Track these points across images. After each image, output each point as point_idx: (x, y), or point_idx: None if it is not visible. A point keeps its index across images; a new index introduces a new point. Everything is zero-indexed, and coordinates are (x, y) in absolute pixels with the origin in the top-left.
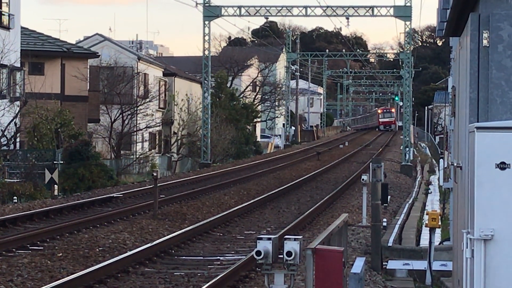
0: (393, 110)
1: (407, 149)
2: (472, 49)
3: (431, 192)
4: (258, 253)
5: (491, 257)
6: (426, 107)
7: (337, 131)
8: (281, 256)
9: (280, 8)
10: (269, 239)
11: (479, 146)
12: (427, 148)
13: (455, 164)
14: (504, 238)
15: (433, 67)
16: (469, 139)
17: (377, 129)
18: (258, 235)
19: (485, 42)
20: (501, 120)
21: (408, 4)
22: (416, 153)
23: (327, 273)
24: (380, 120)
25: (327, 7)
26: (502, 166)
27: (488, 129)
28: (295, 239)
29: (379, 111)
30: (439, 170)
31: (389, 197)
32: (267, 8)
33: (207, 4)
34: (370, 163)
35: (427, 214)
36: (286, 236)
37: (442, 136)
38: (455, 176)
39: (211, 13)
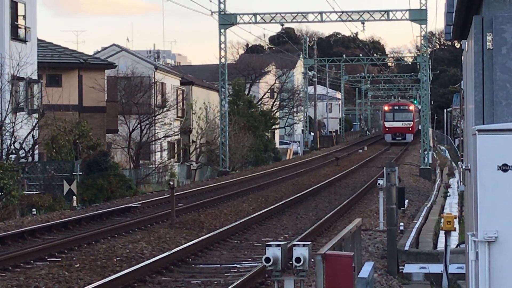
0: (411, 107)
1: (426, 152)
2: (476, 51)
3: (449, 195)
4: (267, 259)
5: (495, 259)
6: (445, 110)
7: (356, 136)
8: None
9: (296, 14)
10: (278, 245)
11: (481, 149)
12: (447, 151)
13: (463, 167)
14: (508, 240)
15: (451, 69)
16: (473, 142)
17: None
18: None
19: (489, 44)
20: (507, 122)
21: (423, 7)
22: (435, 156)
23: (337, 278)
24: (387, 124)
25: (342, 12)
26: (504, 168)
27: (489, 132)
28: (303, 245)
29: (385, 108)
30: (458, 173)
31: (406, 201)
32: (283, 15)
33: (223, 12)
34: (384, 168)
35: (441, 217)
36: (294, 242)
37: (462, 138)
38: (464, 179)
39: (226, 21)
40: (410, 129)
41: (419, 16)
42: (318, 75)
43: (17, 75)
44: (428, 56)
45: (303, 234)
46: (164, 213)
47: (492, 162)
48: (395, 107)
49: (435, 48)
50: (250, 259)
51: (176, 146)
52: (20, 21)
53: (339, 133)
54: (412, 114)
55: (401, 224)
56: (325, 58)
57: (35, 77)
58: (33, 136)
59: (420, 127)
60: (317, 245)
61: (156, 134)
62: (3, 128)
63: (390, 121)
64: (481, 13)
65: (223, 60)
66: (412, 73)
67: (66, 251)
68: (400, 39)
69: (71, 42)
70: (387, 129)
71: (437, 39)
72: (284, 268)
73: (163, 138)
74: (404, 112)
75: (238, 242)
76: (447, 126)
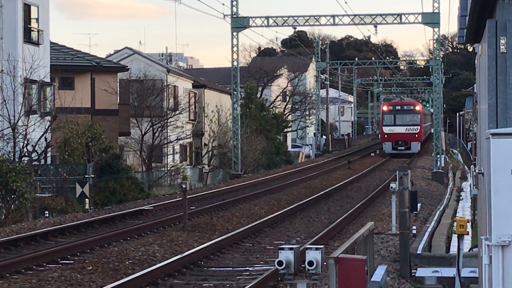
0: (417, 107)
1: (438, 156)
2: (490, 55)
3: (462, 198)
4: (280, 263)
5: (509, 263)
6: (457, 113)
7: (369, 139)
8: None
9: (308, 17)
10: (291, 249)
11: (494, 153)
12: (459, 154)
13: (477, 171)
14: None
15: (464, 73)
16: (486, 146)
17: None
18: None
19: (502, 48)
20: None
21: (436, 10)
22: (448, 160)
23: (350, 282)
24: (386, 129)
25: (355, 15)
26: None
27: (503, 136)
28: (316, 249)
29: (384, 108)
30: (471, 176)
31: (419, 204)
32: (295, 18)
33: (235, 16)
34: (397, 171)
35: (454, 221)
36: (307, 246)
37: (474, 142)
38: (478, 183)
39: (239, 24)
40: (417, 135)
41: (431, 19)
42: (330, 78)
43: (30, 78)
44: (441, 60)
45: (316, 237)
46: (177, 216)
47: (506, 166)
48: (397, 107)
49: (447, 52)
50: (262, 262)
51: (188, 149)
52: (33, 24)
53: (351, 136)
54: (420, 116)
55: (414, 227)
56: (338, 61)
57: (48, 80)
58: (45, 139)
59: (431, 131)
60: (329, 249)
61: (168, 137)
62: (16, 130)
63: (390, 125)
64: (495, 16)
65: (235, 63)
66: (425, 77)
67: (78, 253)
68: (413, 42)
69: (83, 45)
70: (386, 136)
71: (450, 43)
72: (296, 271)
73: (175, 141)
74: (408, 114)
75: (250, 245)
76: (460, 129)
